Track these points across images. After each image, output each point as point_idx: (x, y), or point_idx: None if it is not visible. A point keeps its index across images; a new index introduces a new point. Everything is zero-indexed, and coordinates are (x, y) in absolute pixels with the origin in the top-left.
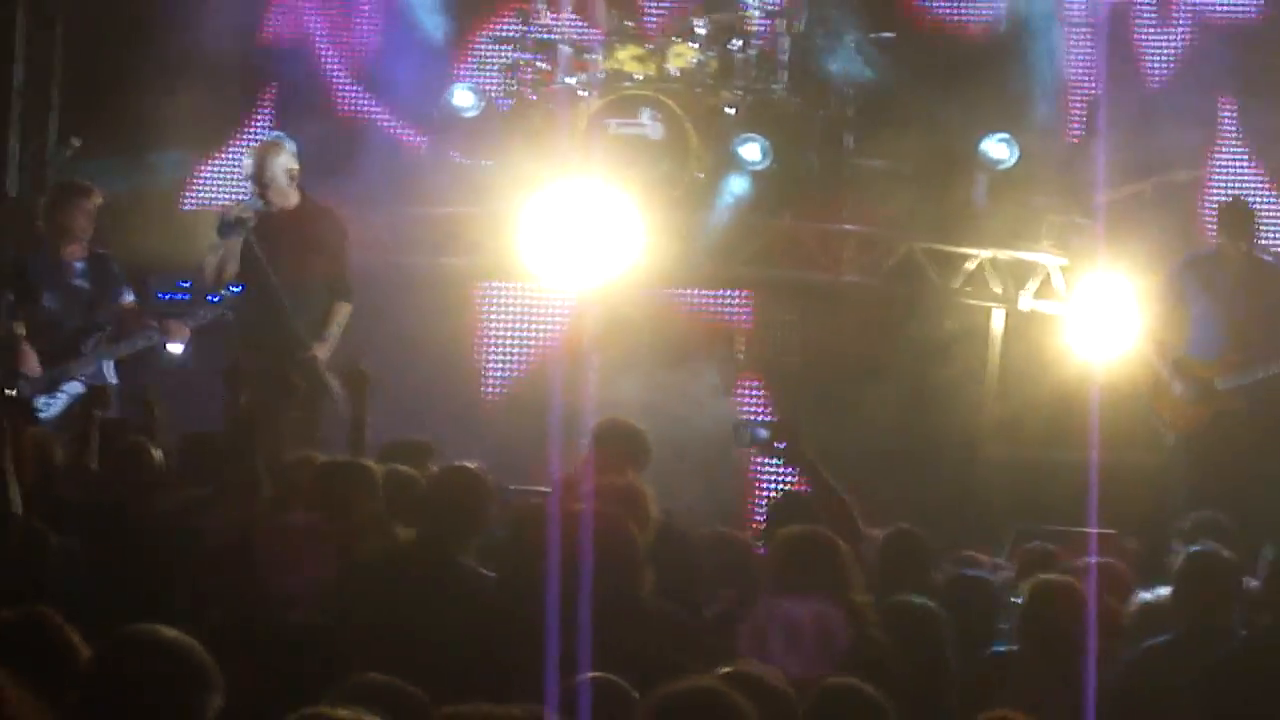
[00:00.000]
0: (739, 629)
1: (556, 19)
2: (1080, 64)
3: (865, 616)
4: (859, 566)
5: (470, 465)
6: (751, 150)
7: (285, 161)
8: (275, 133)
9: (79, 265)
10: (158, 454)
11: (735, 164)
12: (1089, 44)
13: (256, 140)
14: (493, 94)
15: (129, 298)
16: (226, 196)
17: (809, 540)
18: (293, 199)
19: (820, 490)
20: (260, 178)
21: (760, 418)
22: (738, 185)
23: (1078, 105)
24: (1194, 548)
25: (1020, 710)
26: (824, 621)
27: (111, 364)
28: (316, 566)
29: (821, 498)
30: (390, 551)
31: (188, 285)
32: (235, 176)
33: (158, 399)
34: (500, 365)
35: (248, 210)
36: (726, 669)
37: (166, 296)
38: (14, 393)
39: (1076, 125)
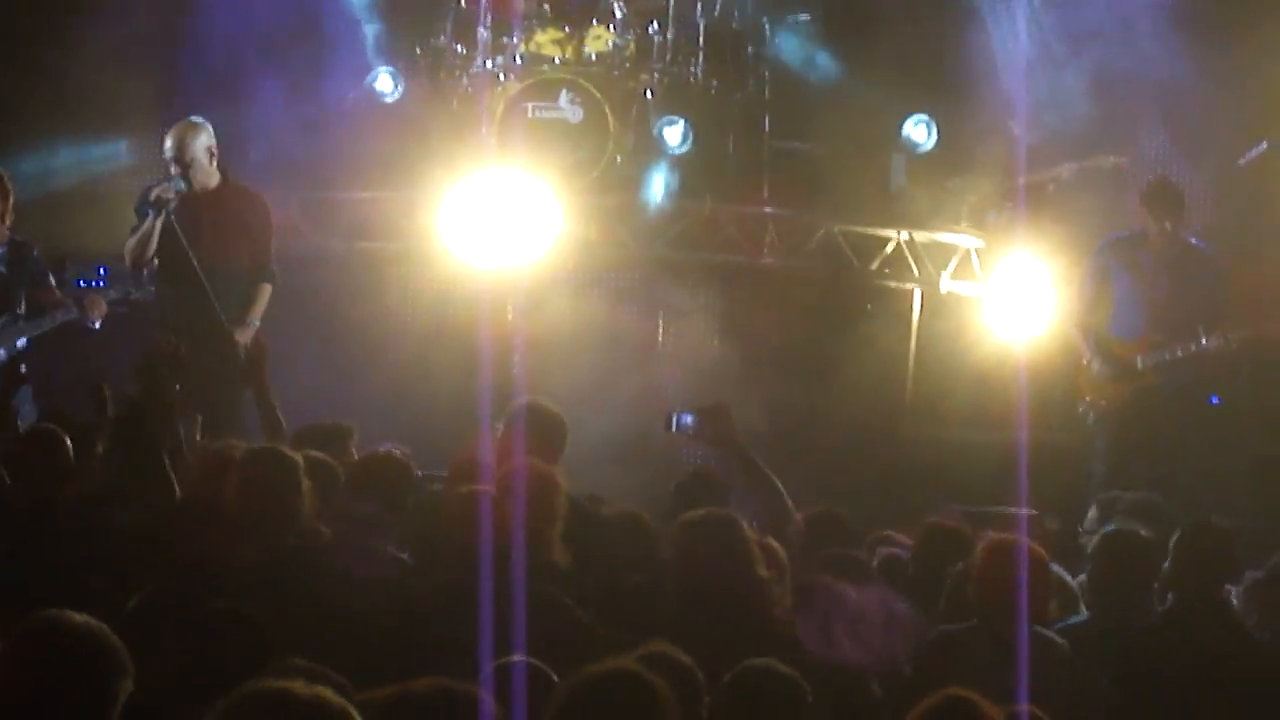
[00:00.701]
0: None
1: (475, 2)
2: (1003, 44)
3: (773, 595)
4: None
5: (394, 451)
6: (673, 133)
7: (205, 141)
8: (193, 115)
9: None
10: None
11: (656, 147)
12: (1012, 23)
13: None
14: (412, 78)
15: (49, 284)
16: (145, 181)
17: (711, 522)
18: (214, 180)
19: (750, 473)
20: (181, 158)
21: (686, 403)
22: (659, 168)
23: (999, 87)
24: (1109, 527)
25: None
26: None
27: (23, 349)
28: (237, 553)
29: (752, 481)
30: (312, 537)
31: (105, 272)
32: (152, 161)
33: (111, 388)
34: (418, 349)
35: (170, 190)
36: (644, 648)
37: (84, 283)
38: None
39: (997, 107)
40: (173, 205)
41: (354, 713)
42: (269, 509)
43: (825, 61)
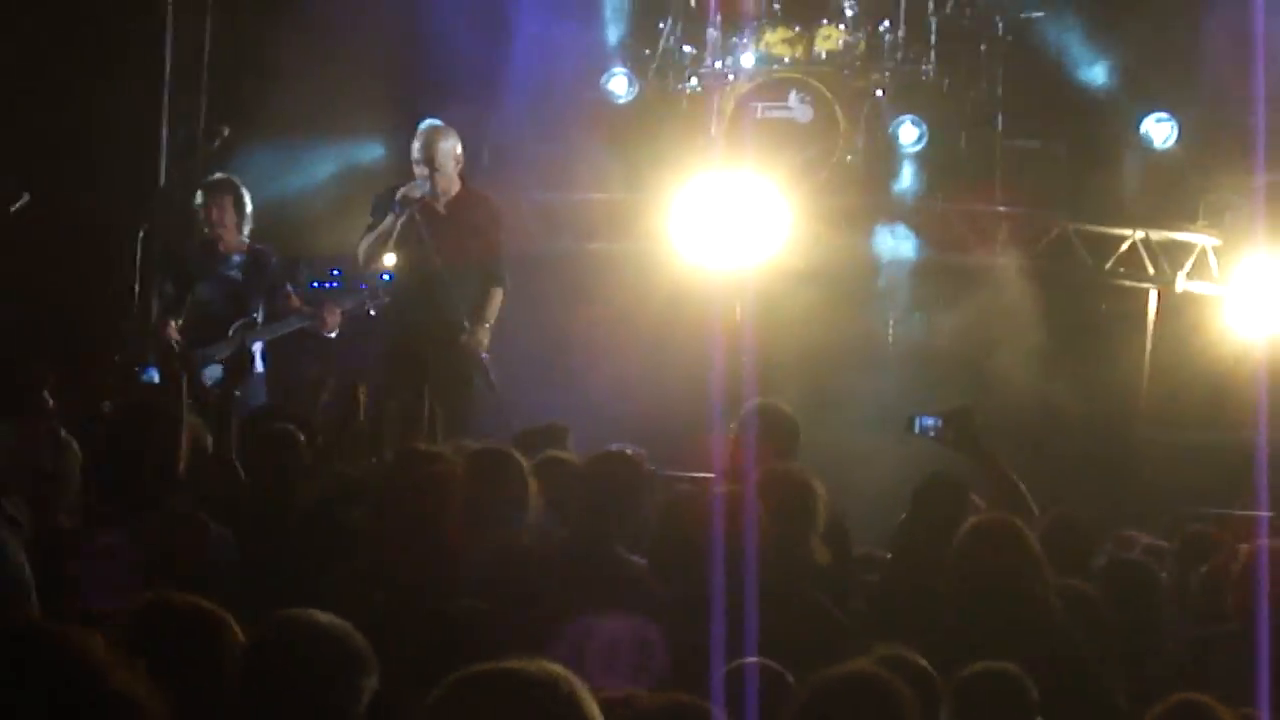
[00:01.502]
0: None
1: (705, 2)
2: (1242, 38)
3: (1048, 603)
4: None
5: (627, 450)
6: (908, 132)
7: (453, 147)
8: (433, 120)
9: (236, 258)
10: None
11: (887, 146)
12: (1253, 14)
13: (421, 125)
14: (643, 79)
15: (285, 291)
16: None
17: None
18: (455, 185)
19: (993, 477)
20: (430, 160)
21: (924, 405)
22: (890, 167)
23: (1238, 81)
24: None
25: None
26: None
27: (259, 351)
28: (468, 553)
29: (995, 483)
30: (545, 538)
31: (339, 273)
32: (388, 164)
33: (364, 389)
34: (648, 350)
35: (417, 191)
36: (880, 651)
37: (319, 285)
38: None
39: (1236, 102)
40: (417, 206)
41: (579, 686)
42: (499, 509)
43: (1059, 58)
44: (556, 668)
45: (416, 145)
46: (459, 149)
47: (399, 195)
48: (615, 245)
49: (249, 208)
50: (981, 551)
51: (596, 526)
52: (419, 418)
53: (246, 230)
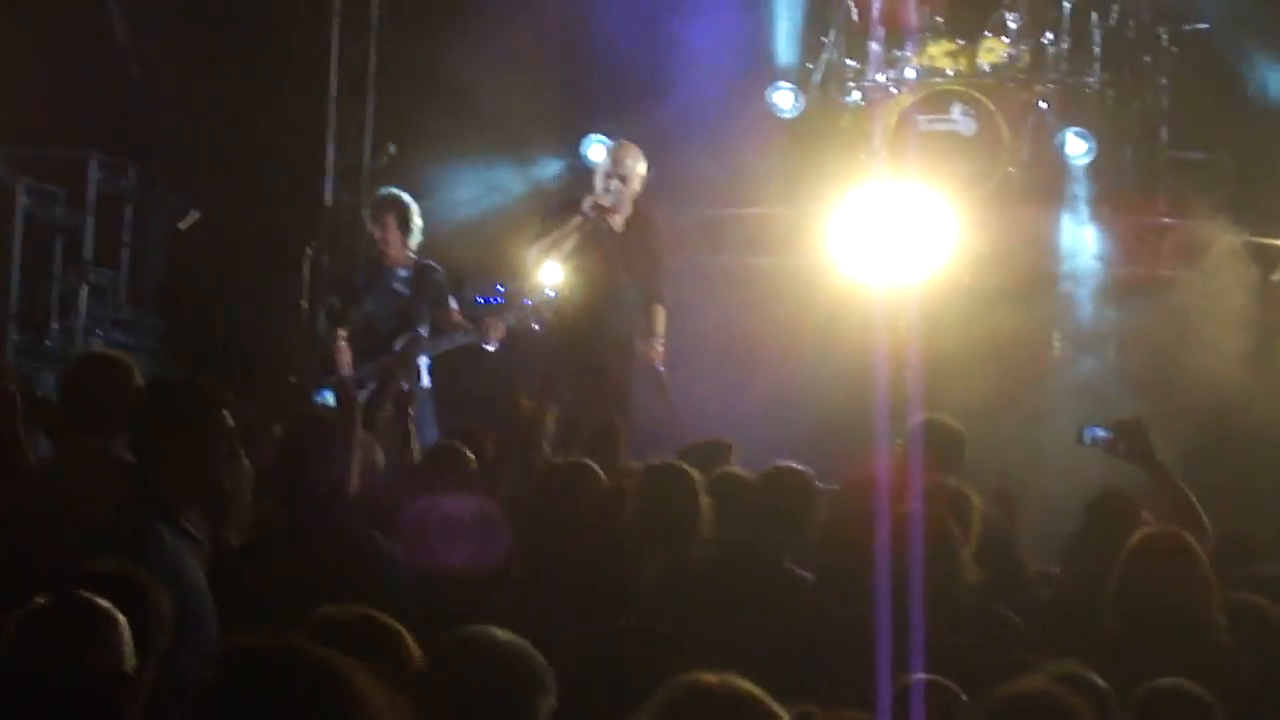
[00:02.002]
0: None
1: (867, 16)
2: None
3: (1214, 620)
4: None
5: (797, 467)
6: (1075, 144)
7: (642, 167)
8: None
9: (402, 273)
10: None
11: (1052, 158)
12: None
13: (610, 141)
14: (805, 93)
15: (450, 307)
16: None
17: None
18: (629, 205)
19: (1166, 490)
20: (619, 173)
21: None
22: (1055, 180)
23: None
24: None
25: None
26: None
27: (426, 367)
28: (640, 570)
29: (1167, 497)
30: (716, 554)
31: (502, 289)
32: (551, 179)
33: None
34: (809, 364)
35: (606, 200)
36: (1054, 667)
37: (483, 300)
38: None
39: None
40: (598, 217)
41: (769, 701)
42: (670, 525)
43: (1225, 69)
44: (744, 683)
45: (605, 159)
46: (644, 170)
47: (588, 202)
48: (777, 259)
49: (416, 223)
50: (1147, 565)
51: (767, 542)
52: (597, 430)
53: (414, 245)
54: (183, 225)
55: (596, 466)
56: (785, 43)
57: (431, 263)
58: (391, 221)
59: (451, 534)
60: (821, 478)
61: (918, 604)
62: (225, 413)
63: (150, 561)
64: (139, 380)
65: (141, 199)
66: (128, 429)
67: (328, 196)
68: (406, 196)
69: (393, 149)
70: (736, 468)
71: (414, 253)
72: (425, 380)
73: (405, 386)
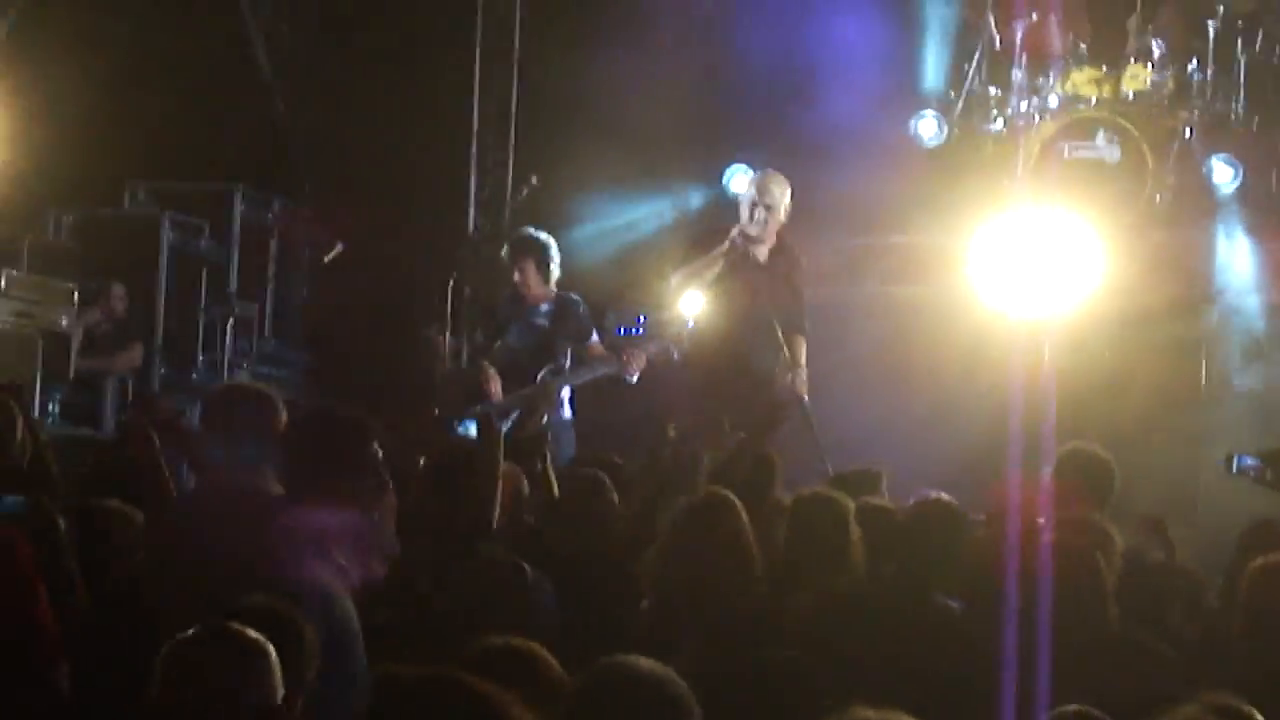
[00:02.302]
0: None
1: (1010, 44)
2: None
3: None
4: None
5: (944, 497)
6: (1222, 172)
7: (788, 198)
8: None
9: (544, 306)
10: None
11: (1197, 186)
12: None
13: (750, 169)
14: (950, 122)
15: (593, 341)
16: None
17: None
18: (774, 236)
19: None
20: (767, 202)
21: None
22: (1202, 207)
23: None
24: None
25: None
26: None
27: (567, 399)
28: (791, 600)
29: None
30: (866, 584)
31: (643, 320)
32: (692, 210)
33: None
34: (951, 393)
35: (753, 229)
36: (1207, 698)
37: (625, 331)
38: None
39: None
40: (741, 244)
41: None
42: (819, 555)
43: None
44: (904, 716)
45: (751, 188)
46: (789, 200)
47: (735, 231)
48: (919, 289)
49: (554, 262)
50: (1268, 592)
51: (917, 574)
52: (754, 464)
53: (554, 281)
54: (326, 258)
55: (736, 501)
56: (928, 70)
57: (573, 295)
58: (530, 265)
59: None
60: (968, 507)
61: (1064, 634)
62: (375, 445)
63: (300, 593)
64: (281, 412)
65: (285, 232)
66: (279, 460)
67: (471, 228)
68: (544, 237)
69: (535, 181)
70: (884, 498)
71: (555, 287)
72: (566, 412)
73: (545, 418)
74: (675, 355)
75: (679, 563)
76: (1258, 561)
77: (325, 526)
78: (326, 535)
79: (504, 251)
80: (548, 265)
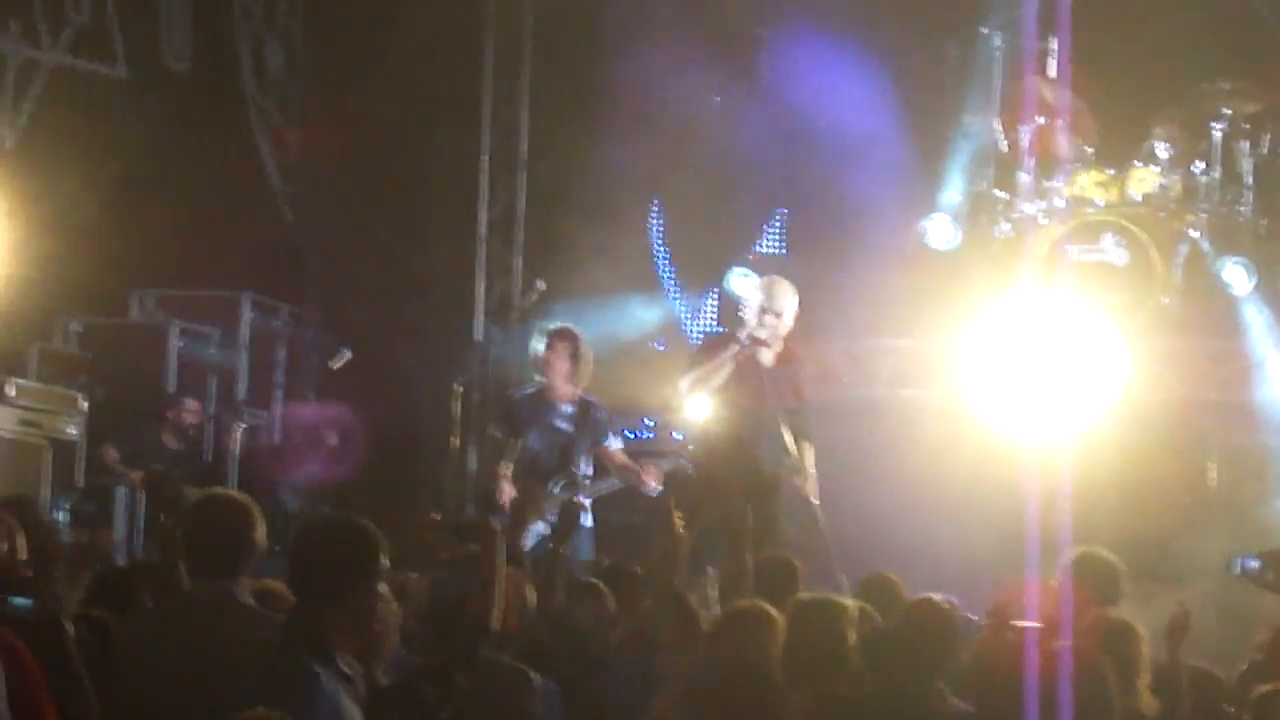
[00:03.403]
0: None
1: (1017, 147)
2: None
3: None
4: None
5: (937, 599)
6: (1237, 275)
7: (794, 302)
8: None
9: (565, 408)
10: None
11: (1206, 288)
12: None
13: (749, 273)
14: (958, 225)
15: (614, 444)
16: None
17: None
18: (781, 342)
19: None
20: (774, 309)
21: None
22: (1210, 310)
23: None
24: None
25: None
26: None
27: (587, 509)
28: (788, 702)
29: None
30: (858, 685)
31: (653, 424)
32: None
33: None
34: (960, 496)
35: (761, 333)
36: None
37: (631, 434)
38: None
39: None
40: (749, 348)
41: None
42: (817, 660)
43: None
44: None
45: (759, 294)
46: (796, 305)
47: (744, 335)
48: (927, 391)
49: (588, 359)
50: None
51: (908, 675)
52: (774, 570)
53: (583, 381)
54: (334, 364)
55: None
56: (935, 173)
57: (595, 400)
58: (563, 353)
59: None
60: (974, 610)
61: None
62: (384, 556)
63: (309, 704)
64: (260, 522)
65: (294, 338)
66: (289, 569)
67: (478, 333)
68: (581, 333)
69: (542, 285)
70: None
71: (579, 389)
72: (587, 520)
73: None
74: (690, 468)
75: (710, 669)
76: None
77: (337, 632)
78: (330, 642)
79: (539, 343)
80: (582, 360)
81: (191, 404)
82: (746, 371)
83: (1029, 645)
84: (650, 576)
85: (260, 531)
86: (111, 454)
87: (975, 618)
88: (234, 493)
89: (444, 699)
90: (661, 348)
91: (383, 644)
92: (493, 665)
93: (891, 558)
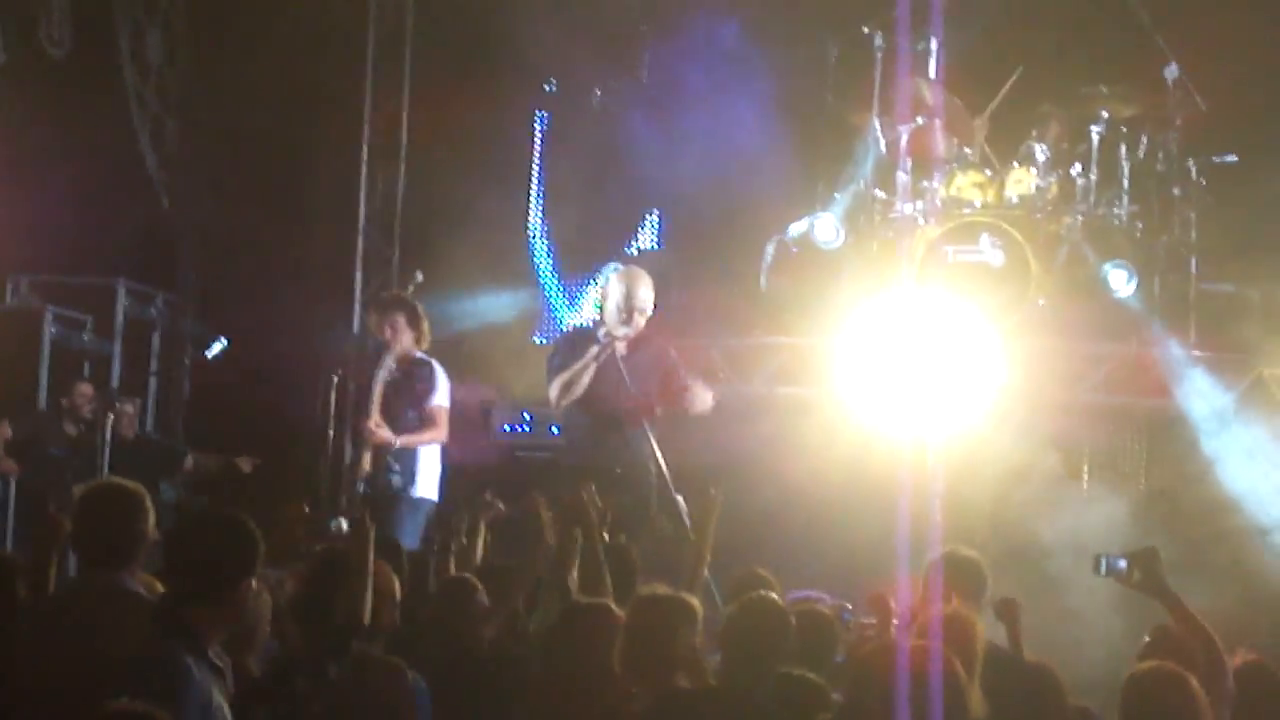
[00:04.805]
0: None
1: (895, 147)
2: None
3: None
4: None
5: (769, 596)
6: (1119, 278)
7: (651, 294)
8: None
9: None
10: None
11: (1080, 289)
12: None
13: (620, 267)
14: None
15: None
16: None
17: (1162, 677)
18: (638, 330)
19: (1183, 621)
20: (632, 304)
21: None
22: (1082, 310)
23: None
24: None
25: None
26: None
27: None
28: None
29: (1187, 629)
30: (700, 680)
31: (530, 418)
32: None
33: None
34: (837, 494)
35: (620, 331)
36: None
37: (510, 429)
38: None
39: None
40: (612, 346)
41: None
42: (655, 654)
43: (1252, 202)
44: None
45: (620, 288)
46: (652, 295)
47: (603, 334)
48: (805, 389)
49: (424, 325)
50: (1146, 701)
51: (744, 671)
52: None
53: (422, 344)
54: (210, 354)
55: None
56: (815, 173)
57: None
58: (400, 321)
59: None
60: (851, 606)
61: None
62: (258, 550)
63: (180, 694)
64: (149, 511)
65: (169, 327)
66: (164, 561)
67: (355, 324)
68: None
69: (420, 277)
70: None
71: (418, 352)
72: (414, 489)
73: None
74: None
75: (558, 664)
76: (1136, 669)
77: (208, 624)
78: (202, 634)
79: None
80: (419, 325)
81: (84, 388)
82: (604, 365)
83: (899, 641)
84: (523, 572)
85: (150, 522)
86: (5, 431)
87: (850, 606)
88: (124, 482)
89: (316, 691)
90: (541, 340)
91: (254, 635)
92: (364, 658)
93: (769, 555)
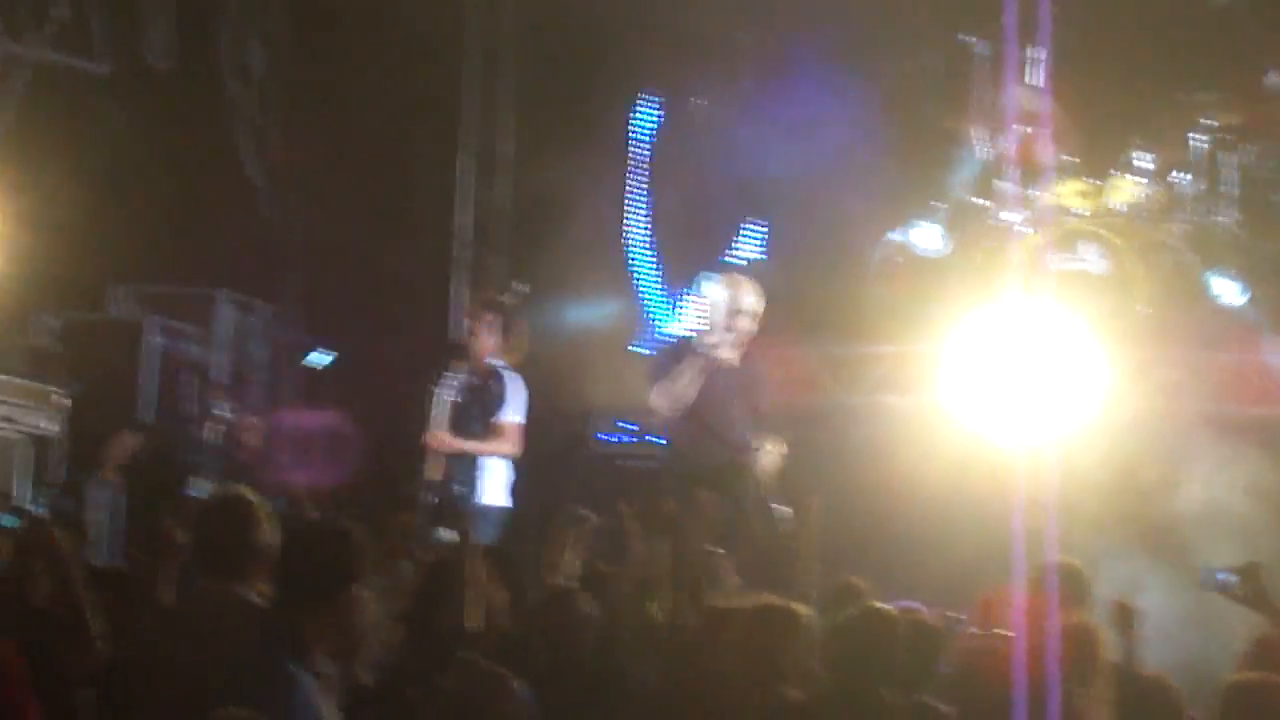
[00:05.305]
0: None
1: (998, 156)
2: None
3: None
4: None
5: (879, 605)
6: (1223, 285)
7: (759, 304)
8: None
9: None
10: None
11: (1186, 296)
12: None
13: (720, 275)
14: (942, 233)
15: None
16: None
17: (1269, 687)
18: (744, 342)
19: None
20: (738, 309)
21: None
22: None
23: None
24: None
25: None
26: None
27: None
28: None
29: None
30: (814, 695)
31: (634, 426)
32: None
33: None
34: (940, 505)
35: (722, 344)
36: None
37: (612, 438)
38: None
39: None
40: (716, 357)
41: None
42: (766, 665)
43: None
44: None
45: (726, 295)
46: (760, 307)
47: (708, 343)
48: (907, 398)
49: (517, 335)
50: (1250, 710)
51: (854, 679)
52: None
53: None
54: (314, 364)
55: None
56: (917, 182)
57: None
58: (492, 323)
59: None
60: (958, 616)
61: None
62: (367, 560)
63: (287, 704)
64: (268, 521)
65: (274, 337)
66: (272, 572)
67: (452, 334)
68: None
69: (525, 288)
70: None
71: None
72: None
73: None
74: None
75: (674, 672)
76: (1233, 677)
77: (317, 634)
78: (310, 643)
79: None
80: (509, 331)
81: (222, 399)
82: (709, 375)
83: (1014, 651)
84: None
85: (268, 532)
86: (127, 440)
87: (961, 617)
88: (244, 492)
89: (424, 699)
90: (642, 350)
91: (363, 644)
92: (472, 667)
93: (872, 565)
